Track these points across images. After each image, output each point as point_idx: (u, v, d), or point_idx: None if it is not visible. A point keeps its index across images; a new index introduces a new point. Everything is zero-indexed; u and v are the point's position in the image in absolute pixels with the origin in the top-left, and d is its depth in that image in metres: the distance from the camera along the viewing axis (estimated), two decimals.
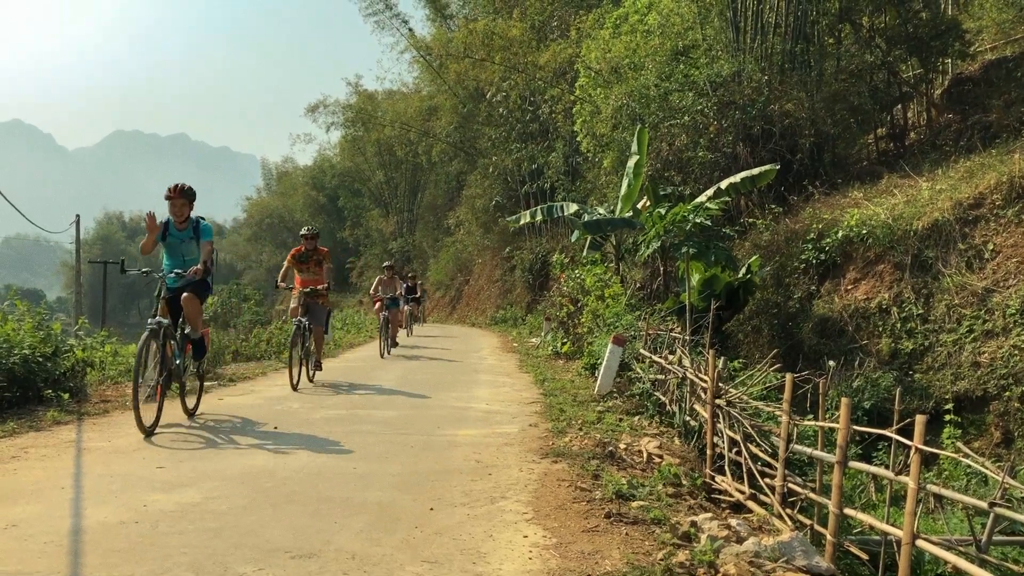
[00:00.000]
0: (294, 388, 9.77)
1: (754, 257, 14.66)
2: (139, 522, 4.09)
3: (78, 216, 41.07)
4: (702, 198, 14.81)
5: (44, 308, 9.23)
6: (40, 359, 7.88)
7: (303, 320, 10.24)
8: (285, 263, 10.91)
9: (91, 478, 5.06)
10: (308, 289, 10.48)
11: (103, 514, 4.22)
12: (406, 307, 20.87)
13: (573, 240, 18.46)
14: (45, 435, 6.45)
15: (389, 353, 15.51)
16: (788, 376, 5.49)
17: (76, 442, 6.21)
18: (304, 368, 10.43)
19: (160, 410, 6.73)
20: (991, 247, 11.48)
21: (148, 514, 4.24)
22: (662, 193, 16.21)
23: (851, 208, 14.06)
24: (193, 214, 7.29)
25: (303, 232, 10.92)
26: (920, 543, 3.80)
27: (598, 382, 10.04)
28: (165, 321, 6.75)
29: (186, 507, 4.40)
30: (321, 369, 11.00)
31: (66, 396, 7.95)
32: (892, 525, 4.18)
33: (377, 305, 16.62)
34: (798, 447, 5.42)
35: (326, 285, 10.61)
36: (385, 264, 18.17)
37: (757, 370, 8.11)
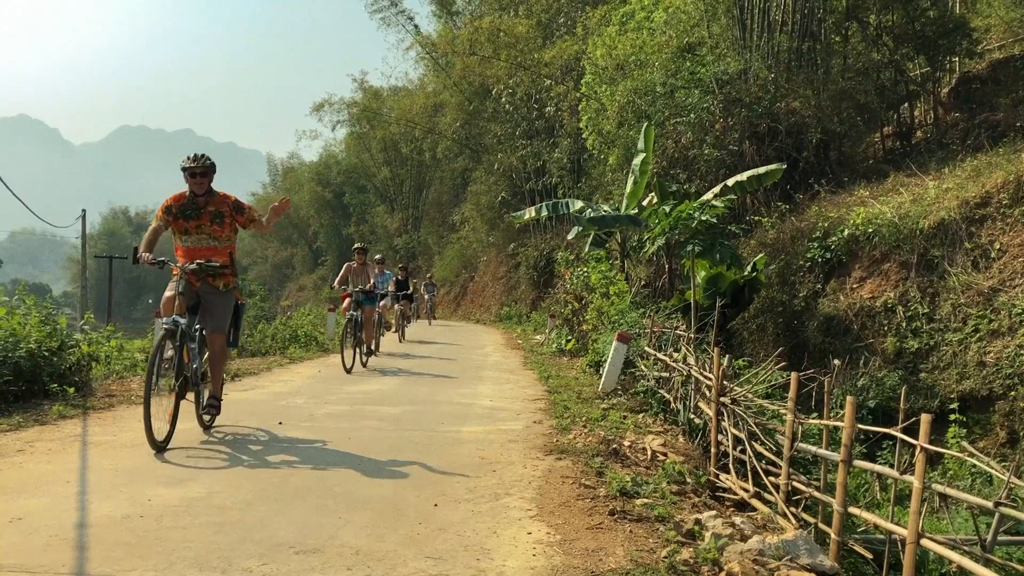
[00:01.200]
0: (158, 449, 5.55)
1: (760, 255, 14.63)
2: (144, 516, 4.10)
3: (84, 211, 41.21)
4: (708, 196, 14.79)
5: (50, 302, 9.24)
6: (46, 353, 7.92)
7: (180, 320, 5.80)
8: (154, 220, 6.19)
9: (96, 472, 5.07)
10: (195, 264, 6.01)
11: (108, 508, 4.23)
12: (396, 306, 17.57)
13: (571, 237, 18.34)
14: (50, 429, 6.47)
15: (365, 365, 12.46)
16: (793, 374, 5.47)
17: (81, 436, 6.23)
18: (194, 406, 6.29)
19: None
20: (997, 246, 11.44)
21: (153, 508, 4.25)
22: (668, 191, 16.20)
23: (857, 206, 14.03)
24: None
25: (185, 164, 6.09)
26: (925, 542, 3.79)
27: (602, 379, 10.03)
28: None
29: (191, 501, 4.41)
30: (218, 410, 6.41)
31: (71, 390, 7.98)
32: (897, 524, 4.17)
33: (345, 302, 12.74)
34: (803, 445, 5.41)
35: (229, 255, 6.26)
36: (356, 247, 13.72)
37: (762, 368, 8.09)
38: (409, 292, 18.97)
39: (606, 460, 5.88)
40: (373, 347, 13.38)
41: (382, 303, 14.54)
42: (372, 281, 12.94)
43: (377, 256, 15.61)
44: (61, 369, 8.13)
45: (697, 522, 4.37)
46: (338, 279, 13.14)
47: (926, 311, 11.80)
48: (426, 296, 28.82)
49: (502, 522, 4.24)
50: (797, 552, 3.95)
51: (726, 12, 19.54)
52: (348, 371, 11.42)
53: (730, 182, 14.94)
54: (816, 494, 5.10)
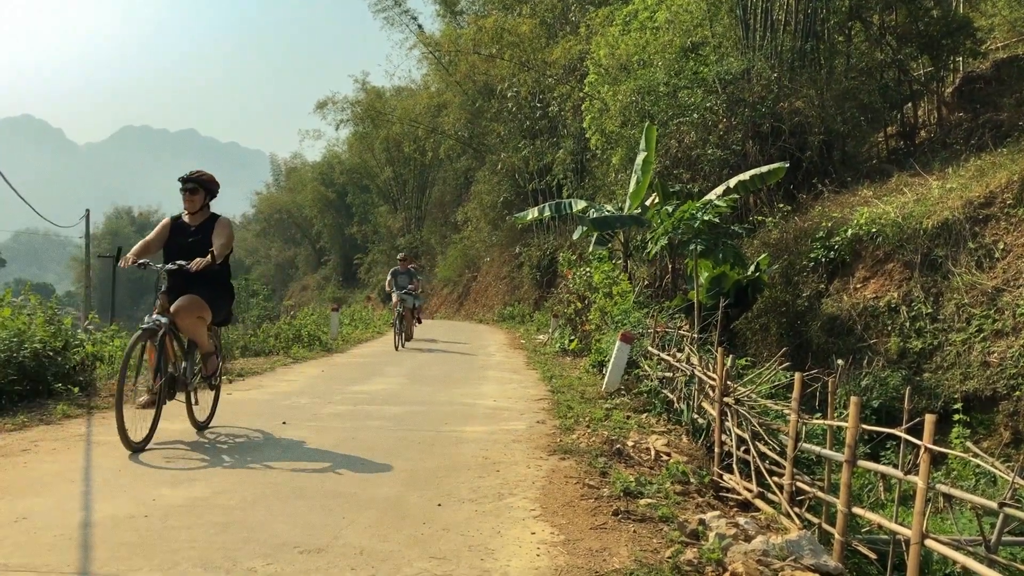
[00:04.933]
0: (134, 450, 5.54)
1: (763, 255, 14.62)
2: (148, 516, 4.11)
3: (88, 211, 41.24)
4: (711, 196, 14.77)
5: (54, 302, 9.25)
6: (51, 353, 7.93)
7: None
8: None
9: (100, 472, 5.08)
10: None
11: (112, 508, 4.24)
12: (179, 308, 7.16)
13: (575, 237, 18.30)
14: (55, 428, 6.48)
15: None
16: (797, 374, 5.47)
17: (86, 436, 6.24)
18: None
19: None
20: (1001, 246, 11.42)
21: (157, 508, 4.26)
22: (671, 190, 16.18)
23: (861, 206, 14.00)
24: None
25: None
26: (929, 543, 3.79)
27: (606, 379, 10.02)
28: None
29: (195, 501, 4.41)
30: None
31: (76, 390, 7.98)
32: (901, 524, 4.17)
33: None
34: (807, 446, 5.41)
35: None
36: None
37: (765, 368, 8.09)
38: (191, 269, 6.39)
39: (610, 460, 5.87)
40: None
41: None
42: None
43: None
44: (65, 369, 8.14)
45: (701, 522, 4.37)
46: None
47: (930, 311, 11.78)
48: (393, 295, 16.71)
49: (506, 522, 4.24)
50: (801, 552, 3.95)
51: (729, 12, 19.51)
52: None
53: (733, 182, 14.91)
54: (820, 494, 5.10)
